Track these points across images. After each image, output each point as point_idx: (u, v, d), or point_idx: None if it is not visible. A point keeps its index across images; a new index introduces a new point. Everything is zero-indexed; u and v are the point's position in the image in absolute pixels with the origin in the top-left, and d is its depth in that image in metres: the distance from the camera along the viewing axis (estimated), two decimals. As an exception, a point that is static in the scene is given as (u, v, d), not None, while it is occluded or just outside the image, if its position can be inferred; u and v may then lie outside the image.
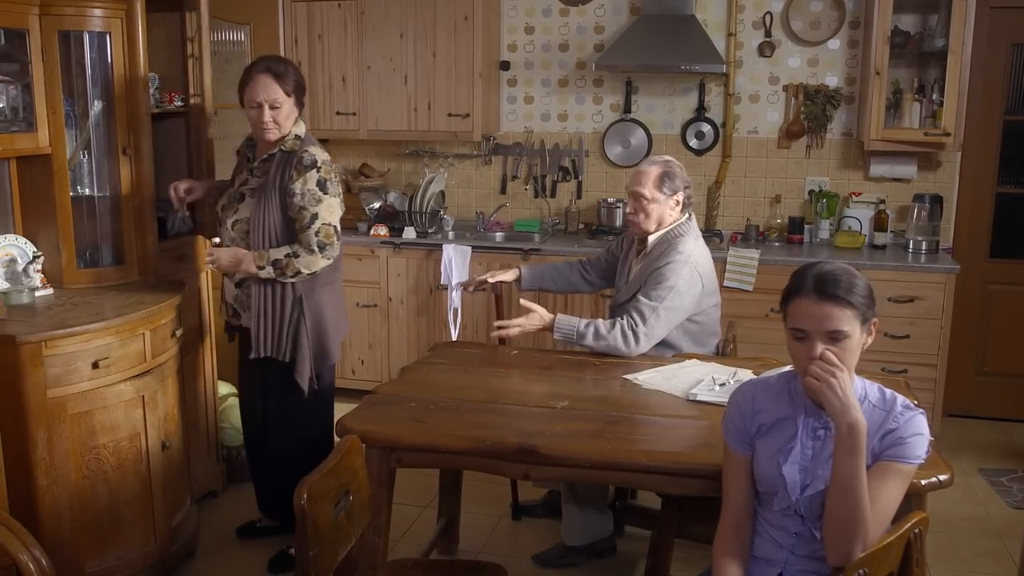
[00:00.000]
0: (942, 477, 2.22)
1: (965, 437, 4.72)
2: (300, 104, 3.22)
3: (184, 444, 3.34)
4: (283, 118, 3.14)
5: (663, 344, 3.25)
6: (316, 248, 3.11)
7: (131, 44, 3.31)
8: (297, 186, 3.10)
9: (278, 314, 3.18)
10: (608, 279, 3.64)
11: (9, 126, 3.09)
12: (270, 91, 3.11)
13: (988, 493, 4.06)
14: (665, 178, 3.27)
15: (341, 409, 2.80)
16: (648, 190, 3.26)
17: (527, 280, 3.68)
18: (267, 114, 3.11)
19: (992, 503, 3.97)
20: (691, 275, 3.20)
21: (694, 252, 3.26)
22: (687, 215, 3.35)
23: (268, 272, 3.10)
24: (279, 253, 3.10)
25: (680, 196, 3.29)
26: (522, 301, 3.34)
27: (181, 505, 3.33)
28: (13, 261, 3.19)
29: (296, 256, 3.10)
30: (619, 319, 3.19)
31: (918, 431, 1.94)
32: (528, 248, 4.80)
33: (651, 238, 3.31)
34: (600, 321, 3.21)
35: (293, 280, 3.14)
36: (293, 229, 3.13)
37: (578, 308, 4.73)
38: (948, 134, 4.46)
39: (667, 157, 3.41)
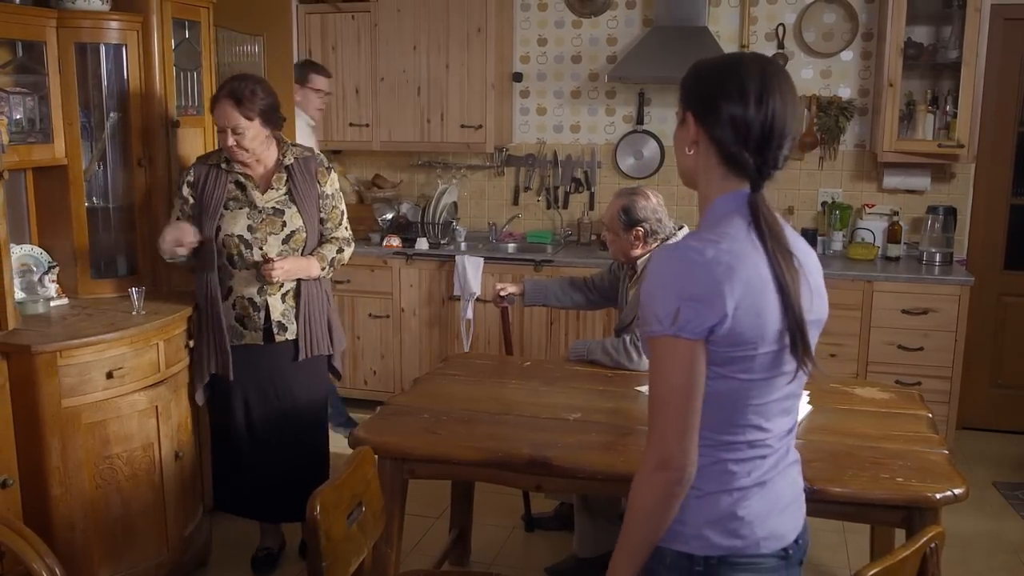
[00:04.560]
0: (957, 491, 2.21)
1: (979, 450, 4.68)
2: (272, 123, 3.14)
3: (197, 454, 3.35)
4: (249, 142, 3.07)
5: None
6: (351, 239, 3.36)
7: (147, 56, 3.34)
8: (328, 188, 3.27)
9: (319, 310, 3.29)
10: (609, 299, 3.64)
11: (26, 137, 3.11)
12: (230, 117, 3.04)
13: (1003, 507, 4.03)
14: (622, 213, 3.28)
15: (353, 420, 2.81)
16: (610, 223, 3.31)
17: (530, 296, 3.67)
18: (230, 139, 3.06)
19: (1007, 517, 3.93)
20: None
21: None
22: (680, 227, 3.34)
23: (327, 271, 3.26)
24: (330, 251, 3.25)
25: (641, 229, 3.25)
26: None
27: (193, 515, 3.33)
28: (29, 271, 3.22)
29: (342, 251, 3.30)
30: (624, 335, 3.24)
31: None
32: (540, 259, 4.80)
33: (639, 261, 3.32)
34: (608, 340, 3.30)
35: (331, 274, 3.33)
36: (321, 228, 3.27)
37: (590, 323, 4.72)
38: (962, 145, 4.44)
39: (634, 189, 3.37)
